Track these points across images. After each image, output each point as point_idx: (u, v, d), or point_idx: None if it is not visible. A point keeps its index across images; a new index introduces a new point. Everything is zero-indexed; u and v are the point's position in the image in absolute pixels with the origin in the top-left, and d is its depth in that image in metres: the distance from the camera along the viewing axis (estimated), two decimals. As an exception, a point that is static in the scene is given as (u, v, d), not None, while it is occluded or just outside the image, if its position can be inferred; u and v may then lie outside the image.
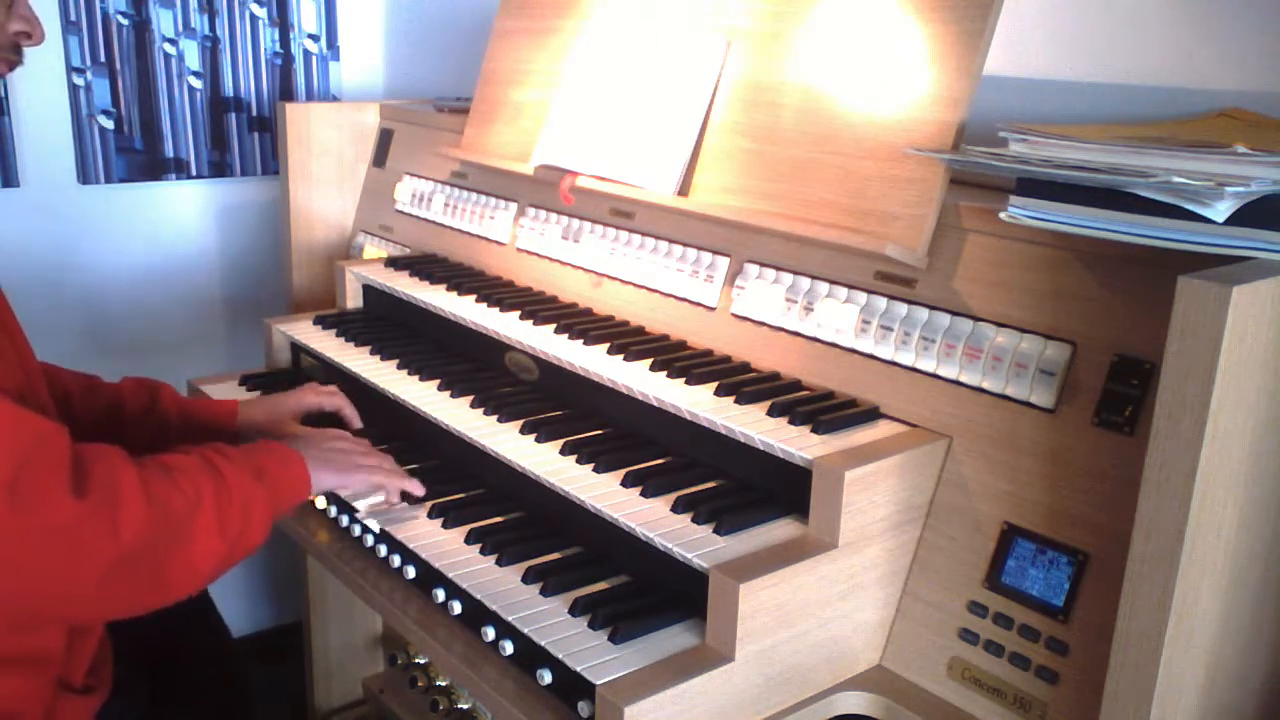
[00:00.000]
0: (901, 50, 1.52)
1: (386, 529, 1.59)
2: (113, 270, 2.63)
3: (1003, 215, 1.31)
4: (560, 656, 1.28)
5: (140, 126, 2.57)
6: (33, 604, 1.25)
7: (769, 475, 1.46)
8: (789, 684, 1.33)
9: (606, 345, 1.75)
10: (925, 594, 1.41)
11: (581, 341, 1.77)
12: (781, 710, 1.33)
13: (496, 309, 1.95)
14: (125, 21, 2.50)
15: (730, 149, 1.74)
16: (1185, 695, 1.16)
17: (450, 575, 1.46)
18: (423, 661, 2.32)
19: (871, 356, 1.52)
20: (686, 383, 1.60)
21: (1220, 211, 1.13)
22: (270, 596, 3.03)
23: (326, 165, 2.59)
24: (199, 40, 2.61)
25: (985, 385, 1.39)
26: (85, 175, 2.53)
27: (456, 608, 1.45)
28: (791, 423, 1.46)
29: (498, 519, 1.62)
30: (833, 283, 1.60)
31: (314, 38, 2.78)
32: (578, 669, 1.25)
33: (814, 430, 1.43)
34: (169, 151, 2.62)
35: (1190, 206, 1.15)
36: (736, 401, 1.53)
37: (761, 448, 1.44)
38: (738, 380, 1.59)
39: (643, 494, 1.47)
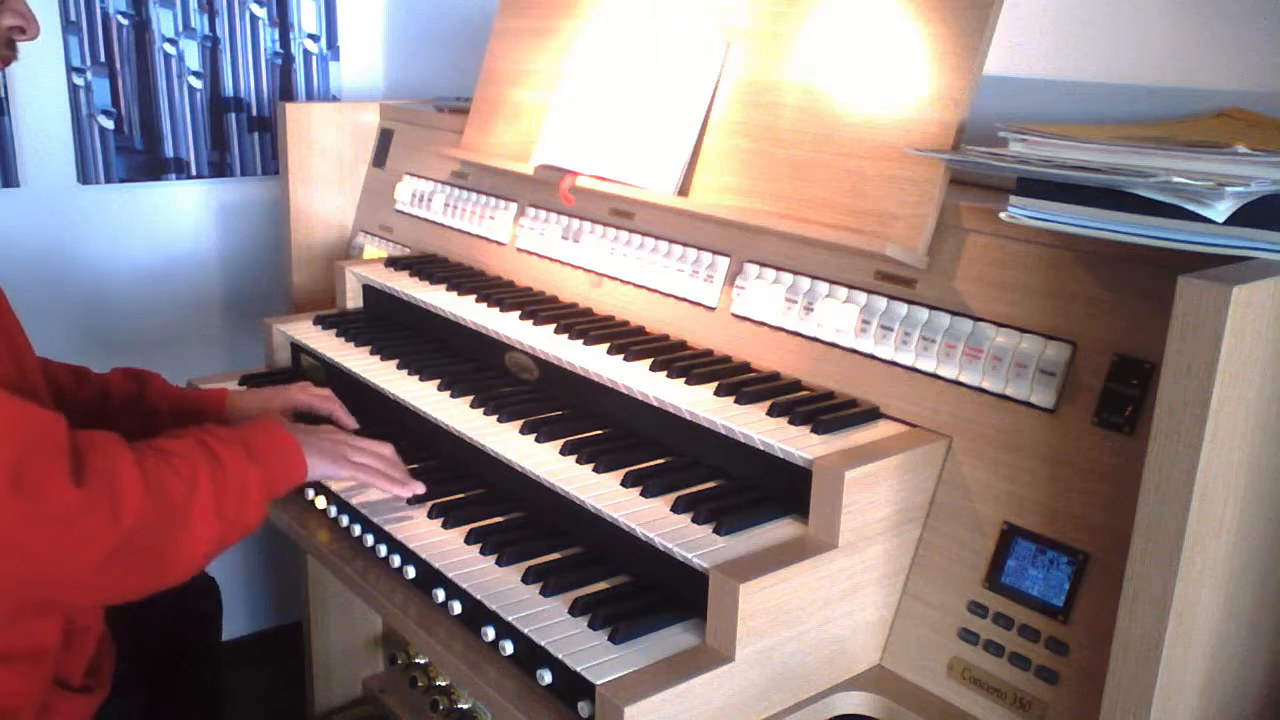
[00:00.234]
0: (901, 50, 1.52)
1: (386, 529, 1.59)
2: (113, 270, 2.63)
3: (1003, 215, 1.31)
4: (560, 656, 1.28)
5: (140, 126, 2.57)
6: (33, 589, 1.27)
7: (769, 475, 1.46)
8: (789, 684, 1.33)
9: (606, 345, 1.75)
10: (925, 594, 1.41)
11: (581, 341, 1.77)
12: (781, 710, 1.33)
13: (496, 309, 1.95)
14: (125, 21, 2.50)
15: (730, 149, 1.74)
16: (1185, 695, 1.16)
17: (450, 575, 1.46)
18: (423, 661, 2.32)
19: (871, 356, 1.52)
20: (686, 383, 1.60)
21: (1220, 211, 1.13)
22: (270, 596, 3.03)
23: (326, 165, 2.59)
24: (199, 40, 2.60)
25: (985, 385, 1.39)
26: (85, 175, 2.53)
27: (456, 608, 1.45)
28: (791, 423, 1.46)
29: (498, 519, 1.62)
30: (833, 283, 1.60)
31: (314, 38, 2.78)
32: (578, 669, 1.25)
33: (814, 430, 1.43)
34: (169, 151, 2.62)
35: (1190, 206, 1.15)
36: (736, 401, 1.53)
37: (761, 448, 1.44)
38: (738, 380, 1.59)
39: (643, 494, 1.47)
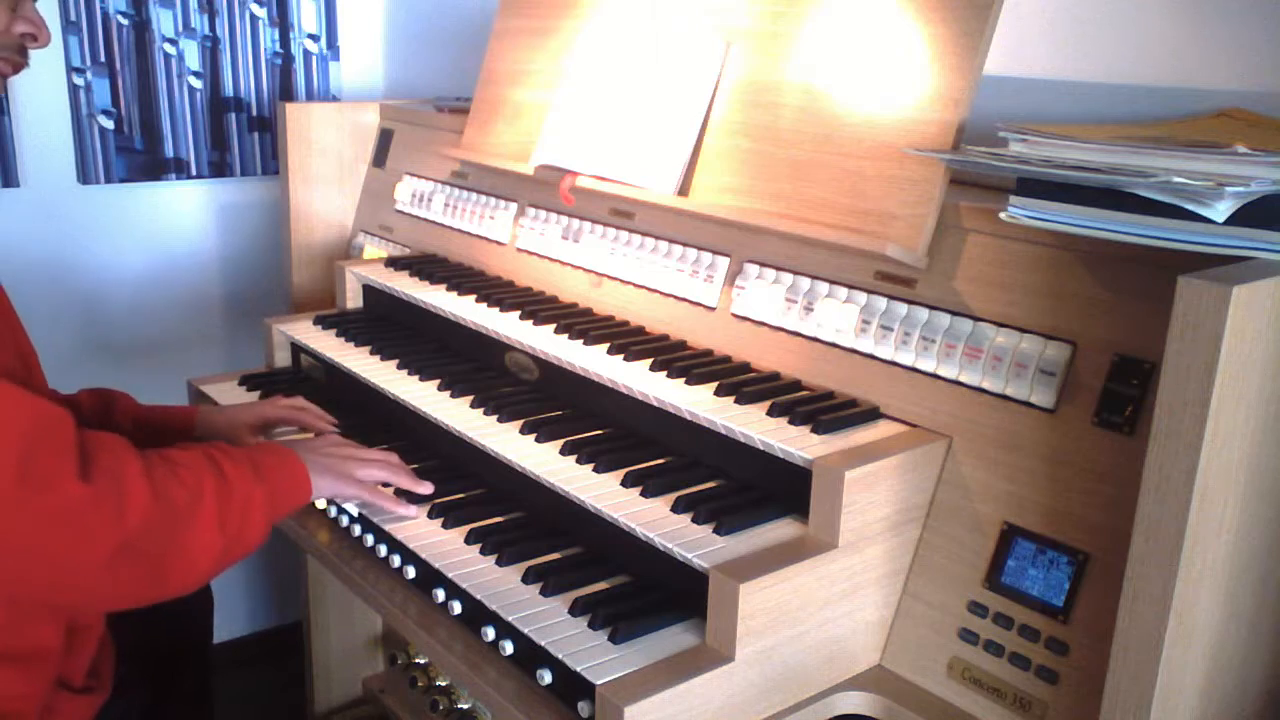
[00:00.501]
0: (901, 50, 1.52)
1: (386, 529, 1.59)
2: (113, 270, 2.63)
3: (1003, 215, 1.31)
4: (560, 656, 1.28)
5: (140, 126, 2.57)
6: (35, 588, 1.25)
7: (769, 475, 1.46)
8: (789, 684, 1.33)
9: (606, 345, 1.75)
10: (925, 594, 1.41)
11: (581, 341, 1.77)
12: (781, 710, 1.33)
13: (496, 309, 1.95)
14: (125, 21, 2.50)
15: (730, 149, 1.74)
16: (1185, 695, 1.16)
17: (450, 575, 1.46)
18: (423, 661, 2.32)
19: (871, 356, 1.52)
20: (686, 383, 1.60)
21: (1220, 211, 1.13)
22: (270, 596, 3.03)
23: (326, 165, 2.59)
24: (199, 40, 2.61)
25: (985, 385, 1.39)
26: (85, 175, 2.53)
27: (456, 608, 1.45)
28: (791, 423, 1.46)
29: (498, 519, 1.62)
30: (833, 283, 1.60)
31: (314, 38, 2.78)
32: (578, 669, 1.25)
33: (814, 430, 1.43)
34: (169, 151, 2.62)
35: (1190, 206, 1.15)
36: (736, 401, 1.53)
37: (761, 448, 1.44)
38: (738, 380, 1.59)
39: (643, 494, 1.47)
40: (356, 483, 1.55)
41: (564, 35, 2.09)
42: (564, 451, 1.59)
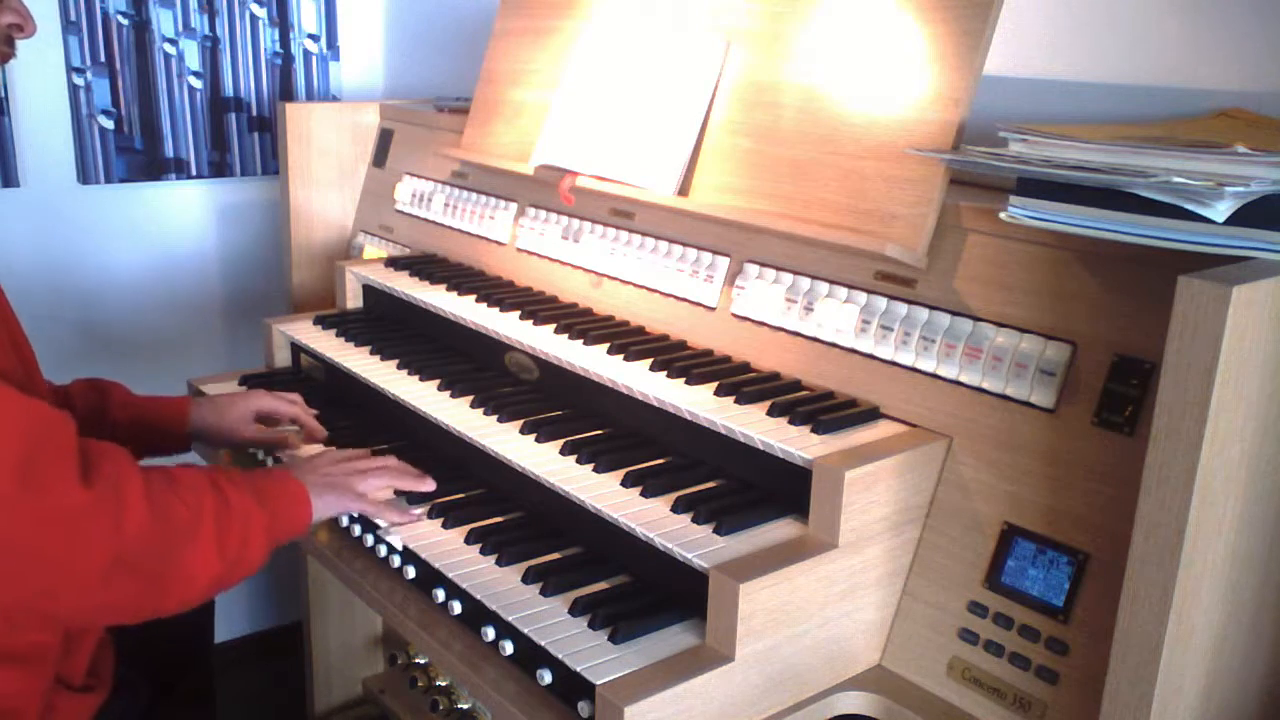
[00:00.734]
0: (901, 50, 1.52)
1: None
2: (113, 270, 2.63)
3: (1003, 215, 1.31)
4: (560, 656, 1.28)
5: (140, 126, 2.57)
6: (30, 596, 1.23)
7: (769, 475, 1.46)
8: (789, 684, 1.33)
9: (606, 345, 1.75)
10: (925, 594, 1.41)
11: (581, 341, 1.77)
12: (781, 710, 1.33)
13: (496, 309, 1.95)
14: (125, 21, 2.50)
15: (730, 149, 1.74)
16: (1185, 695, 1.16)
17: (450, 575, 1.46)
18: (423, 661, 2.32)
19: (871, 356, 1.52)
20: (686, 383, 1.60)
21: (1220, 211, 1.13)
22: (270, 596, 3.03)
23: (326, 165, 2.59)
24: (199, 40, 2.61)
25: (985, 385, 1.39)
26: (85, 175, 2.53)
27: (456, 608, 1.45)
28: (791, 423, 1.46)
29: (498, 519, 1.62)
30: (833, 283, 1.60)
31: (314, 38, 2.78)
32: (578, 669, 1.25)
33: (814, 430, 1.43)
34: (169, 151, 2.62)
35: (1190, 206, 1.15)
36: (736, 401, 1.53)
37: (761, 448, 1.44)
38: (738, 380, 1.59)
39: (643, 494, 1.47)
40: (359, 497, 1.55)
41: (564, 35, 2.09)
42: (564, 451, 1.59)
